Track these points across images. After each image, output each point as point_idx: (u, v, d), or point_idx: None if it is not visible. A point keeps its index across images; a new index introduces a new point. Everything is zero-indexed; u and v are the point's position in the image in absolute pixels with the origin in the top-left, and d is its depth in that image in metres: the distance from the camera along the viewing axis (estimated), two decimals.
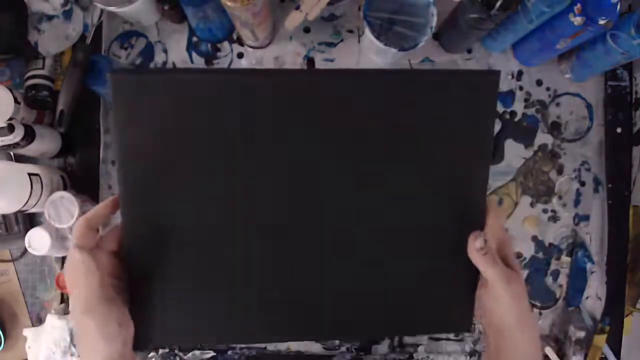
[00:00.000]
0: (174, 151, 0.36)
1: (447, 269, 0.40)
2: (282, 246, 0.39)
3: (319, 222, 0.38)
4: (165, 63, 0.70)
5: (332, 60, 0.70)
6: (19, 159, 0.69)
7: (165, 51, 0.70)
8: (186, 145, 0.36)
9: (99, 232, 0.39)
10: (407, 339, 0.71)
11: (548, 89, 0.70)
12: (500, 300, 0.37)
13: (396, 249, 0.39)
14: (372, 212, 0.38)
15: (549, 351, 0.69)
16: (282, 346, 0.70)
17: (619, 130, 0.69)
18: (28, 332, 0.69)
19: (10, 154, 0.69)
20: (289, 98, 0.36)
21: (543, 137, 0.70)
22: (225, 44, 0.70)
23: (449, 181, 0.38)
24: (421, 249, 0.39)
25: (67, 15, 0.69)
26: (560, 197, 0.70)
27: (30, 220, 0.71)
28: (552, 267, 0.71)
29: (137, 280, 0.38)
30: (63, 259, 0.70)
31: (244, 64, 0.70)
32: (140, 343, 0.37)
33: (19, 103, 0.60)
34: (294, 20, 0.62)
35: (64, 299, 0.69)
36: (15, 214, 0.69)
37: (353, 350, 0.71)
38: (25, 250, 0.69)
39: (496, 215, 0.39)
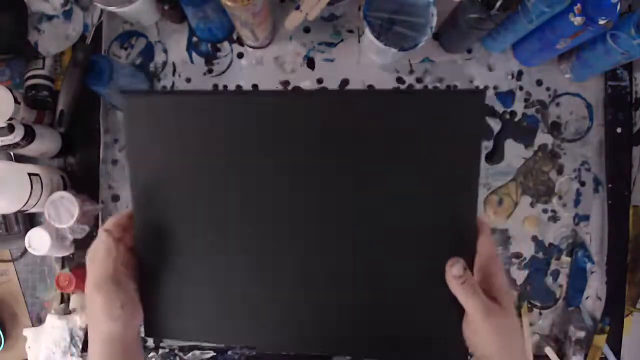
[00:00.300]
0: (182, 163, 0.39)
1: (436, 295, 0.37)
2: (283, 249, 0.39)
3: (320, 227, 0.38)
4: (165, 63, 0.70)
5: (332, 60, 0.70)
6: (19, 159, 0.69)
7: (165, 51, 0.70)
8: (192, 157, 0.39)
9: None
10: None
11: (548, 89, 0.70)
12: (479, 333, 0.35)
13: (390, 267, 0.39)
14: (362, 229, 0.38)
15: (549, 351, 0.69)
16: None
17: (619, 130, 0.69)
18: (28, 332, 0.69)
19: (10, 154, 0.69)
20: (289, 104, 0.37)
21: (543, 137, 0.70)
22: (225, 44, 0.70)
23: (437, 206, 0.37)
24: (411, 271, 0.38)
25: (67, 15, 0.69)
26: (560, 197, 0.70)
27: (30, 220, 0.71)
28: (552, 267, 0.71)
29: (145, 276, 0.40)
30: (63, 259, 0.70)
31: (244, 64, 0.70)
32: (149, 331, 0.41)
33: (19, 103, 0.60)
34: (294, 20, 0.62)
35: (64, 299, 0.69)
36: (15, 214, 0.69)
37: None
38: (25, 250, 0.69)
39: (487, 240, 0.36)
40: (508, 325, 0.35)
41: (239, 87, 0.70)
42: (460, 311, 0.36)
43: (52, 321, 0.67)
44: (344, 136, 0.37)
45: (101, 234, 0.39)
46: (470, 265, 0.36)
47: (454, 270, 0.35)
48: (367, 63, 0.69)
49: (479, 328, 0.35)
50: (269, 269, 0.39)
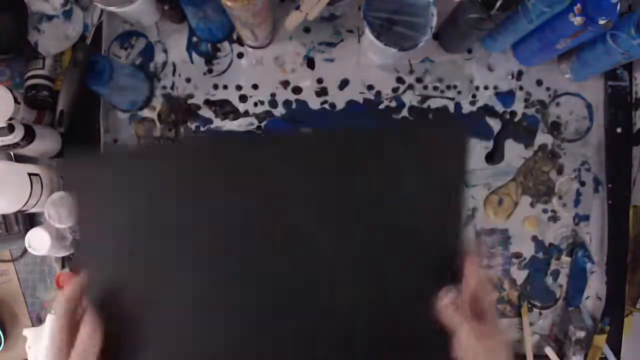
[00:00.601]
0: (127, 222, 0.38)
1: (423, 322, 0.38)
2: (249, 298, 0.38)
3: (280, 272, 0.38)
4: (165, 63, 0.70)
5: (332, 60, 0.70)
6: (19, 159, 0.69)
7: (165, 51, 0.70)
8: (135, 217, 0.38)
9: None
10: None
11: (548, 89, 0.70)
12: (472, 354, 0.36)
13: (372, 297, 0.38)
14: (346, 261, 0.38)
15: (549, 351, 0.69)
16: None
17: (619, 130, 0.69)
18: (28, 332, 0.69)
19: (10, 154, 0.69)
20: (248, 150, 0.37)
21: (543, 137, 0.70)
22: (225, 44, 0.70)
23: (423, 235, 0.38)
24: (397, 298, 0.39)
25: (67, 15, 0.69)
26: (560, 197, 0.70)
27: (30, 220, 0.71)
28: (552, 267, 0.71)
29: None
30: (63, 259, 0.70)
31: (244, 64, 0.70)
32: None
33: (19, 103, 0.60)
34: (294, 20, 0.62)
35: None
36: (15, 214, 0.69)
37: None
38: (25, 250, 0.69)
39: (475, 264, 0.37)
40: (498, 345, 0.36)
41: (238, 87, 0.70)
42: (450, 335, 0.37)
43: (52, 321, 0.67)
44: (328, 170, 0.37)
45: (88, 317, 0.35)
46: (457, 284, 0.37)
47: (445, 300, 0.37)
48: (367, 63, 0.69)
49: (470, 349, 0.36)
50: (220, 328, 0.38)
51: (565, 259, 0.71)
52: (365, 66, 0.70)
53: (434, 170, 0.37)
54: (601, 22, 0.53)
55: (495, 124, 0.70)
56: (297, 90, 0.70)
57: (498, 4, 0.53)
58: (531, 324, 0.71)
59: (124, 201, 0.38)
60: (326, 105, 0.70)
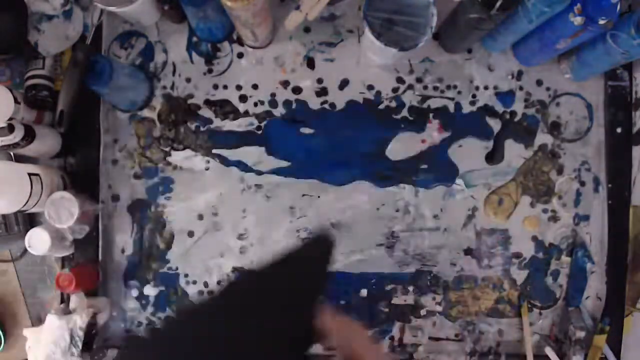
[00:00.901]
0: None
1: None
2: None
3: None
4: (165, 63, 0.70)
5: (332, 60, 0.70)
6: (19, 159, 0.69)
7: (165, 51, 0.70)
8: None
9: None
10: (407, 339, 0.71)
11: (548, 89, 0.70)
12: None
13: None
14: None
15: (549, 351, 0.69)
16: None
17: (619, 130, 0.69)
18: (28, 332, 0.69)
19: (10, 154, 0.69)
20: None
21: (543, 137, 0.70)
22: (225, 44, 0.70)
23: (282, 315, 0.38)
24: None
25: (67, 15, 0.69)
26: (560, 197, 0.70)
27: (30, 220, 0.71)
28: (552, 267, 0.71)
29: None
30: (63, 259, 0.70)
31: (244, 64, 0.70)
32: None
33: (19, 103, 0.60)
34: (294, 20, 0.62)
35: (64, 299, 0.69)
36: (15, 214, 0.69)
37: None
38: (25, 250, 0.69)
39: (331, 318, 0.39)
40: None
41: (238, 87, 0.70)
42: None
43: (52, 321, 0.67)
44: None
45: None
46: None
47: None
48: (367, 63, 0.69)
49: None
50: None
51: (565, 259, 0.71)
52: (365, 66, 0.70)
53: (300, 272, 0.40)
54: (601, 22, 0.53)
55: (495, 124, 0.70)
56: (297, 90, 0.70)
57: (498, 4, 0.53)
58: (531, 324, 0.71)
59: None
60: (326, 105, 0.70)
